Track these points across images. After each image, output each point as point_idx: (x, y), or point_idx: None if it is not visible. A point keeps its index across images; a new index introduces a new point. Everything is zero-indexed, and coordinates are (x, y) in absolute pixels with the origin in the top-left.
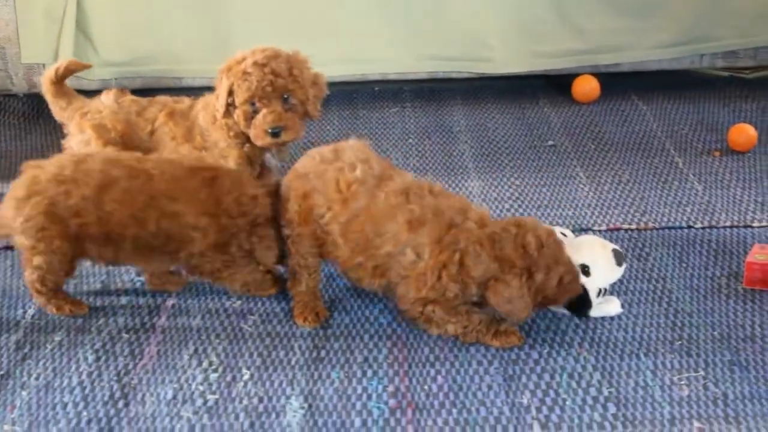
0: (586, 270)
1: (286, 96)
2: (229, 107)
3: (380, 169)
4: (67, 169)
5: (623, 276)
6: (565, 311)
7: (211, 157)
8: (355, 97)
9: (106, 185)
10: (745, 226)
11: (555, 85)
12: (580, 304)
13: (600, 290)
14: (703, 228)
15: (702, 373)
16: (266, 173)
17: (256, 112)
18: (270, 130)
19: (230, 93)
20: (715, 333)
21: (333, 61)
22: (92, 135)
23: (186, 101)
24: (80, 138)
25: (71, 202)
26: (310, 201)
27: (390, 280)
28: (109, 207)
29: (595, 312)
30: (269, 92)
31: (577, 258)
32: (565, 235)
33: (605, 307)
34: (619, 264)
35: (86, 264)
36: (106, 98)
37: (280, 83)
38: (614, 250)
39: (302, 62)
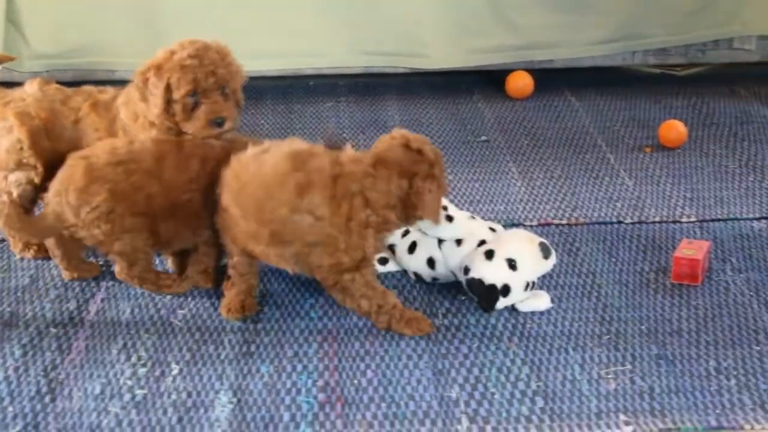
0: (513, 264)
1: (224, 87)
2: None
3: (270, 144)
4: (122, 150)
5: (553, 270)
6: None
7: None
8: (290, 91)
9: (161, 157)
10: (674, 222)
11: (489, 81)
12: (488, 295)
13: (528, 284)
14: (632, 223)
15: (629, 367)
16: None
17: (197, 104)
18: (214, 121)
19: (167, 89)
20: (643, 327)
21: (267, 55)
22: (15, 122)
23: (110, 92)
24: (2, 125)
25: (134, 179)
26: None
27: (298, 252)
28: (168, 175)
29: (524, 306)
30: (210, 83)
31: (504, 252)
32: (494, 230)
33: (534, 302)
34: (546, 257)
35: (14, 258)
36: (30, 87)
37: (221, 74)
38: (541, 244)
39: (229, 52)
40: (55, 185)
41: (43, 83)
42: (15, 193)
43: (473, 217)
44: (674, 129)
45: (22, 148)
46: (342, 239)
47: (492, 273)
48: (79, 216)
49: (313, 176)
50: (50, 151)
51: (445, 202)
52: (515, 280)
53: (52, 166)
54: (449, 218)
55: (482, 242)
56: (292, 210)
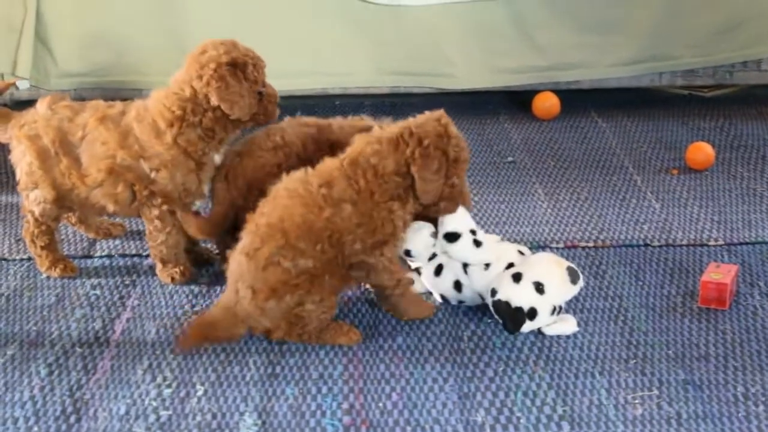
0: (540, 288)
1: None
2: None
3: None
4: (277, 137)
5: (579, 293)
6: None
7: (149, 166)
8: (316, 110)
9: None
10: (702, 245)
11: (515, 102)
12: (515, 317)
13: (554, 308)
14: (659, 246)
15: (656, 392)
16: (204, 177)
17: (261, 94)
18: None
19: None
20: (670, 352)
21: (294, 74)
22: (26, 144)
23: (118, 106)
24: (19, 149)
25: (290, 162)
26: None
27: (349, 247)
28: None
29: (550, 330)
30: (265, 73)
31: (532, 275)
32: (522, 253)
33: (561, 326)
34: (574, 282)
35: (40, 277)
36: (41, 106)
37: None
38: (569, 268)
39: None
40: (223, 177)
41: (53, 101)
42: (36, 212)
43: (502, 240)
44: (702, 151)
45: (34, 170)
46: (375, 214)
47: (519, 296)
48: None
49: (325, 172)
50: (60, 169)
51: (473, 225)
52: (542, 304)
53: (62, 184)
54: (477, 243)
55: (510, 265)
56: (333, 206)
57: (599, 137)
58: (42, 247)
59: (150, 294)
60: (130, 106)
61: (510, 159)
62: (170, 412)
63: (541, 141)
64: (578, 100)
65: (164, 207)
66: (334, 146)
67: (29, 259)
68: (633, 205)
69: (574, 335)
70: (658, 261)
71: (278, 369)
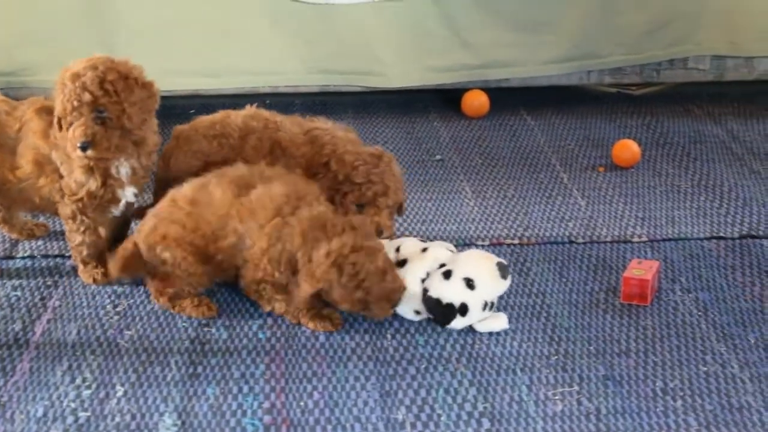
0: (471, 283)
1: (100, 110)
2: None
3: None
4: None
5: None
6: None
7: (59, 158)
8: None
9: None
10: (625, 241)
11: (445, 100)
12: (445, 313)
13: (486, 303)
14: (584, 243)
15: (576, 388)
16: (112, 183)
17: (70, 124)
18: (78, 144)
19: None
20: (591, 348)
21: (224, 73)
22: None
23: None
24: None
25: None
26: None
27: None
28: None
29: (481, 327)
30: (77, 106)
31: (462, 272)
32: (452, 251)
33: (492, 323)
34: (504, 277)
35: None
36: None
37: (87, 98)
38: (498, 263)
39: (125, 72)
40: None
41: None
42: None
43: (425, 249)
44: (628, 148)
45: None
46: (263, 266)
47: (450, 292)
48: None
49: (256, 203)
50: None
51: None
52: (473, 299)
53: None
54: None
55: (442, 265)
56: (238, 236)
57: (528, 135)
58: None
59: (72, 295)
60: None
61: (438, 157)
62: (89, 414)
63: (469, 139)
64: (508, 98)
65: (74, 206)
66: (274, 146)
67: None
68: (559, 203)
69: (497, 332)
70: (581, 258)
71: (200, 369)
